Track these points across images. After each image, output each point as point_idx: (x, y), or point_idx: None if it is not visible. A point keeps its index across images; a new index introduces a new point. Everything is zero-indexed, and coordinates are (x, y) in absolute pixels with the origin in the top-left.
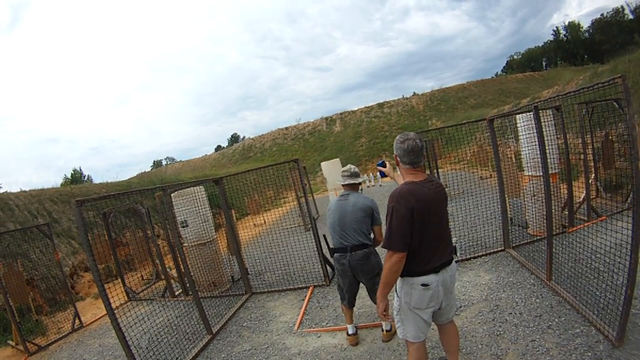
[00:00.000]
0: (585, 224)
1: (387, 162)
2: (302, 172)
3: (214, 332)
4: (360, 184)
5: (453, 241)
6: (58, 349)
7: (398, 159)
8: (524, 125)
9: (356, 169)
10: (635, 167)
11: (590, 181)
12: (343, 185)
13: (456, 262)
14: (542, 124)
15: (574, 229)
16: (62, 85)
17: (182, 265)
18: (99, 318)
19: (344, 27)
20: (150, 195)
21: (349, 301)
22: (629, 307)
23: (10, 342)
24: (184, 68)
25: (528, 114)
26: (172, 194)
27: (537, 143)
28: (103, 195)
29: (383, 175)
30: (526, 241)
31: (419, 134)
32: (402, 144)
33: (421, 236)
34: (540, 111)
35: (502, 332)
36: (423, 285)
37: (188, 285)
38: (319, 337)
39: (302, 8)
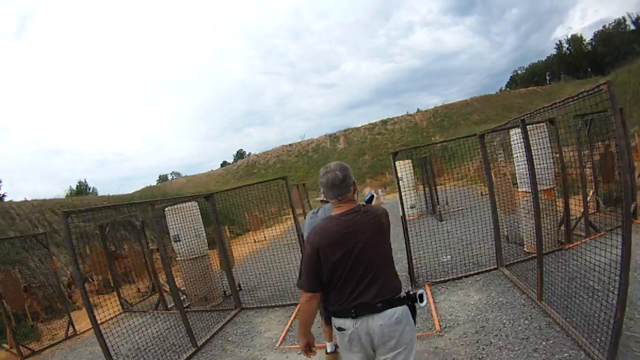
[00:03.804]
0: (583, 240)
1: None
2: (291, 190)
3: (199, 345)
4: None
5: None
6: (50, 354)
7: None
8: (516, 140)
9: None
10: (624, 180)
11: (590, 196)
12: (322, 201)
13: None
14: (537, 138)
15: (571, 245)
16: (67, 97)
17: (168, 279)
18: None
19: (349, 43)
20: (146, 209)
21: (327, 317)
22: (619, 330)
23: (4, 345)
24: (189, 83)
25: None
26: (165, 209)
27: (525, 157)
28: (90, 207)
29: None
30: (520, 259)
31: (343, 163)
32: (322, 178)
33: (333, 275)
34: (535, 125)
35: (484, 356)
36: (338, 328)
37: (173, 299)
38: (299, 354)
39: (307, 24)
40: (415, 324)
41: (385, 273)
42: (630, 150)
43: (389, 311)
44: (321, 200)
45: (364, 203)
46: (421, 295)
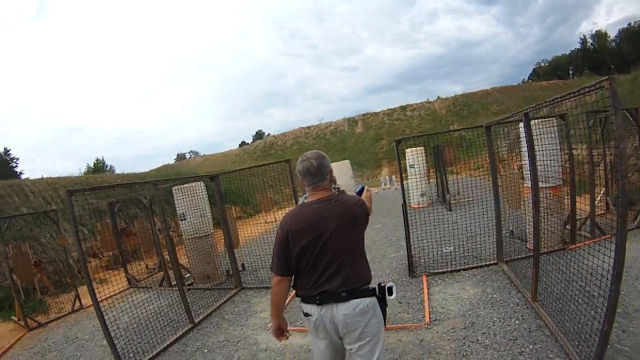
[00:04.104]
0: (588, 242)
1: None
2: (294, 174)
3: (195, 322)
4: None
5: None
6: (56, 326)
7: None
8: (523, 134)
9: None
10: (621, 185)
11: (600, 196)
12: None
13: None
14: (546, 133)
15: (575, 246)
16: (88, 76)
17: (170, 257)
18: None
19: (372, 28)
20: (156, 187)
21: None
22: (605, 344)
23: (13, 317)
24: (210, 63)
25: (533, 121)
26: (173, 188)
27: (527, 152)
28: (94, 186)
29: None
30: (522, 256)
31: (320, 152)
32: (298, 165)
33: (300, 260)
34: (544, 120)
35: (468, 353)
36: (305, 314)
37: (174, 276)
38: (289, 335)
39: (331, 7)
40: (385, 317)
41: (353, 263)
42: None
43: (354, 301)
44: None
45: (338, 192)
46: (390, 289)
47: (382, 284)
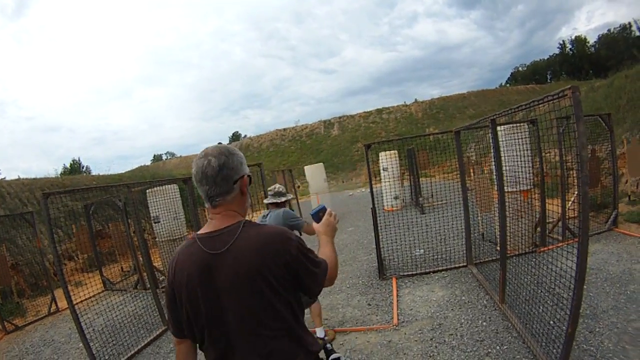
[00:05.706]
0: (559, 245)
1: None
2: (265, 178)
3: None
4: (284, 202)
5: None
6: (33, 329)
7: None
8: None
9: (281, 189)
10: (583, 193)
11: (572, 199)
12: (268, 204)
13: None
14: (517, 138)
15: (545, 249)
16: (64, 74)
17: (143, 259)
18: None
19: (351, 30)
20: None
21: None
22: (569, 345)
23: None
24: (188, 63)
25: (504, 126)
26: (146, 191)
27: (493, 157)
28: (70, 189)
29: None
30: (491, 258)
31: (228, 146)
32: (193, 164)
33: (192, 327)
34: (515, 125)
35: (435, 354)
36: None
37: (148, 278)
38: None
39: (310, 8)
40: None
41: (273, 344)
42: (616, 158)
43: None
44: (269, 204)
45: (247, 219)
46: None
47: (328, 347)
